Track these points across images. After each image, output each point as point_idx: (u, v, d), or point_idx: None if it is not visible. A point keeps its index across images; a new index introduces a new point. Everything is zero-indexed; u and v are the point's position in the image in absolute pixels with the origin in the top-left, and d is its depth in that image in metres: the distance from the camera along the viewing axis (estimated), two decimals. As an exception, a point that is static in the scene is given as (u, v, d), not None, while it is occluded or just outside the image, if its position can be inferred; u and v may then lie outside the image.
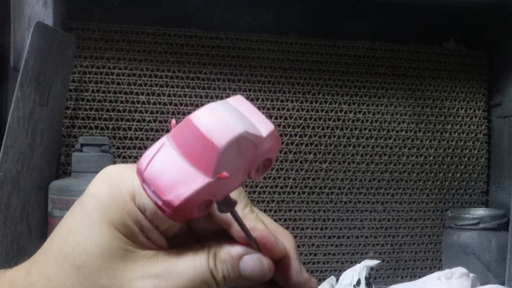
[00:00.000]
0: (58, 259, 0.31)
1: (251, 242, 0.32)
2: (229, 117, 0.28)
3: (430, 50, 1.00)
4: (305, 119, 0.94)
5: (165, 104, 0.89)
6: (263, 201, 0.93)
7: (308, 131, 0.94)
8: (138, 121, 0.88)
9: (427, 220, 1.00)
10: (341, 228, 0.96)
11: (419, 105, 1.00)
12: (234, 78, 0.91)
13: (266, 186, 0.93)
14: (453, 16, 1.03)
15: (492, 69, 1.03)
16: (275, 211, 0.93)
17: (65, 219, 0.33)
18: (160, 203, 0.29)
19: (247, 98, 0.31)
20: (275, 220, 0.92)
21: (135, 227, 0.32)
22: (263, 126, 0.29)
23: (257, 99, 0.92)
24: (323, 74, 0.95)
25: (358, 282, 0.76)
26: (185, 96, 0.90)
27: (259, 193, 0.93)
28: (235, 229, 0.32)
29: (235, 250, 0.32)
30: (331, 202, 0.96)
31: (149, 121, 0.88)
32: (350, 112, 0.96)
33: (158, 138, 0.30)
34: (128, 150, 0.88)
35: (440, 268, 0.96)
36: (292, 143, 0.94)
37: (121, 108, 0.88)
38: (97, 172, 0.33)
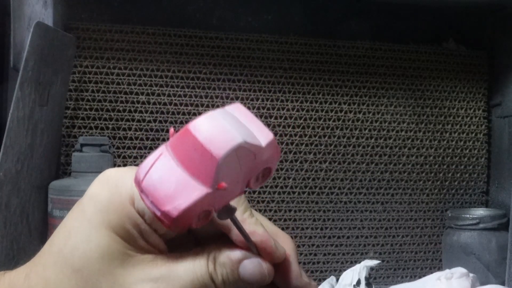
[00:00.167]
0: (57, 263, 0.31)
1: (251, 246, 0.32)
2: (228, 127, 0.28)
3: (430, 50, 1.00)
4: (305, 119, 0.94)
5: (165, 104, 0.89)
6: (263, 201, 0.93)
7: (308, 131, 0.94)
8: (138, 121, 0.88)
9: (427, 220, 1.00)
10: (341, 228, 0.96)
11: (419, 105, 0.99)
12: (234, 78, 0.91)
13: (266, 186, 0.93)
14: (453, 16, 1.03)
15: (492, 69, 1.03)
16: (275, 211, 0.93)
17: (64, 222, 0.33)
18: (158, 213, 0.28)
19: (247, 98, 0.31)
20: (275, 221, 0.93)
21: (134, 231, 0.32)
22: (262, 135, 0.29)
23: (257, 99, 0.92)
24: (323, 74, 0.95)
25: (358, 282, 0.75)
26: (185, 96, 0.90)
27: (259, 193, 0.93)
28: (235, 233, 0.32)
29: (235, 254, 0.32)
30: (331, 202, 0.96)
31: (149, 121, 0.88)
32: (350, 112, 0.96)
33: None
34: (128, 150, 0.88)
35: (440, 268, 0.96)
36: (292, 143, 0.94)
37: (121, 108, 0.88)
38: (97, 172, 0.33)
